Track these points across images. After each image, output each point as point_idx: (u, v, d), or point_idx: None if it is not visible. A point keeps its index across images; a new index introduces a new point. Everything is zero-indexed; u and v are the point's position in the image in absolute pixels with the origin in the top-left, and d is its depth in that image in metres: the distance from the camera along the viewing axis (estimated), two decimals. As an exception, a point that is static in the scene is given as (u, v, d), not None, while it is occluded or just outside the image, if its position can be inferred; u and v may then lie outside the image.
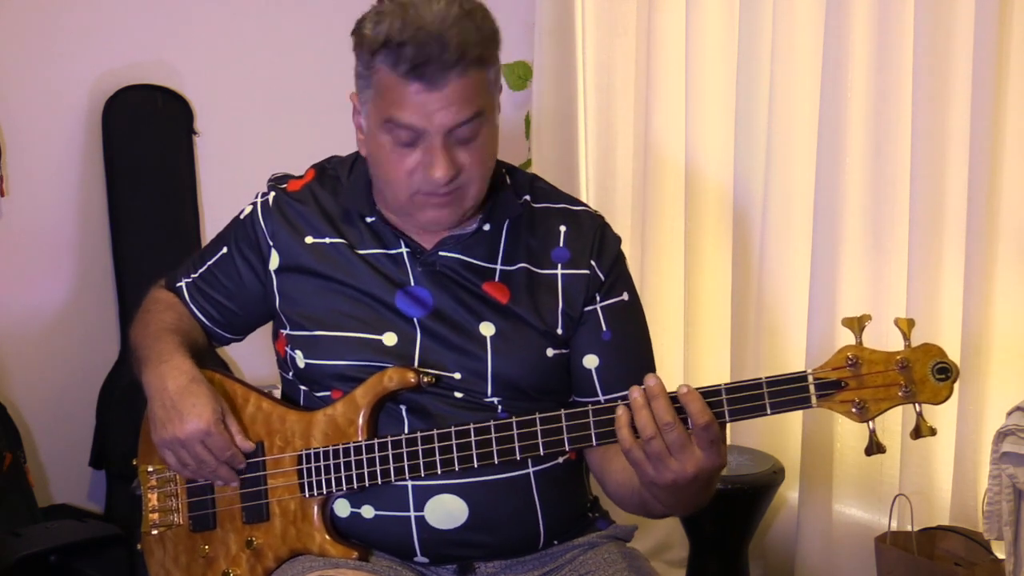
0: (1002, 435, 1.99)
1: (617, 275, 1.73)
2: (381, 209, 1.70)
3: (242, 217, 1.79)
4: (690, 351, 2.96)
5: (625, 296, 1.73)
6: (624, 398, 1.67)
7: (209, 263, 1.80)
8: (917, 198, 2.44)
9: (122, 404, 2.95)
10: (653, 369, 1.76)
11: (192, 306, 1.81)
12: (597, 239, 1.72)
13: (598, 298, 1.70)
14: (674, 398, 1.46)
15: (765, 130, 2.74)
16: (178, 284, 1.83)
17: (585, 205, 1.78)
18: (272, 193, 1.77)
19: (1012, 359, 2.37)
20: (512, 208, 1.71)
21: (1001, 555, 2.19)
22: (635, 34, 3.05)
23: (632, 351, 1.74)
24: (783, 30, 2.67)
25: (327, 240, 1.71)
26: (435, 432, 1.58)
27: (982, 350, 2.36)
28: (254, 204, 1.78)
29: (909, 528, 2.42)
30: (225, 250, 1.79)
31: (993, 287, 2.35)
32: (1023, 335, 2.37)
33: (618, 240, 1.76)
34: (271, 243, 1.73)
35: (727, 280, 2.88)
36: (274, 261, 1.73)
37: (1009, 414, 2.03)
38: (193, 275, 1.82)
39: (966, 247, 2.36)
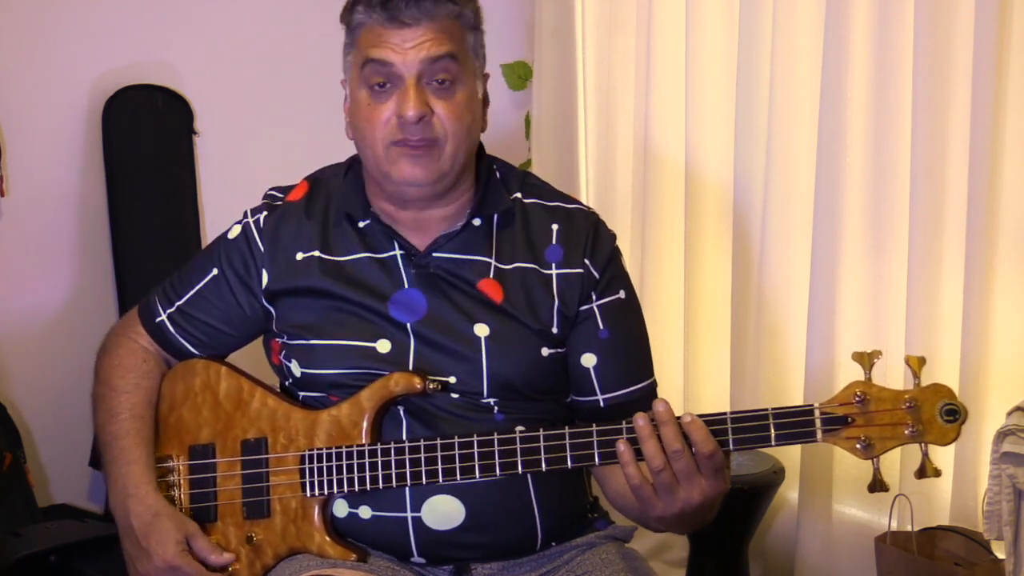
0: (1002, 435, 1.99)
1: (613, 273, 1.72)
2: (376, 211, 1.70)
3: (231, 237, 1.77)
4: (690, 351, 2.96)
5: (622, 294, 1.73)
6: (623, 398, 1.67)
7: (198, 286, 1.77)
8: (917, 198, 2.43)
9: (122, 404, 2.94)
10: (650, 367, 1.76)
11: (176, 336, 1.78)
12: (590, 237, 1.72)
13: (594, 296, 1.70)
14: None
15: (765, 130, 2.74)
16: (158, 320, 1.79)
17: (578, 202, 1.77)
18: (263, 212, 1.76)
19: (1012, 359, 2.37)
20: (501, 202, 1.71)
21: (1001, 555, 2.19)
22: (635, 34, 3.05)
23: (630, 350, 1.74)
24: (783, 30, 2.67)
25: (316, 253, 1.70)
26: (438, 441, 1.58)
27: (982, 350, 2.35)
28: (244, 224, 1.76)
29: (909, 528, 2.42)
30: (215, 271, 1.76)
31: (993, 287, 2.35)
32: (1023, 336, 2.37)
33: (612, 237, 1.75)
34: (264, 263, 1.73)
35: (727, 280, 2.88)
36: (266, 280, 1.73)
37: (1009, 414, 2.03)
38: (177, 302, 1.78)
39: (966, 247, 2.36)
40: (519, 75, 3.29)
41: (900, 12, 2.46)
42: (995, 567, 2.23)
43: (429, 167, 1.62)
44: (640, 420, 1.47)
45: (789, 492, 2.82)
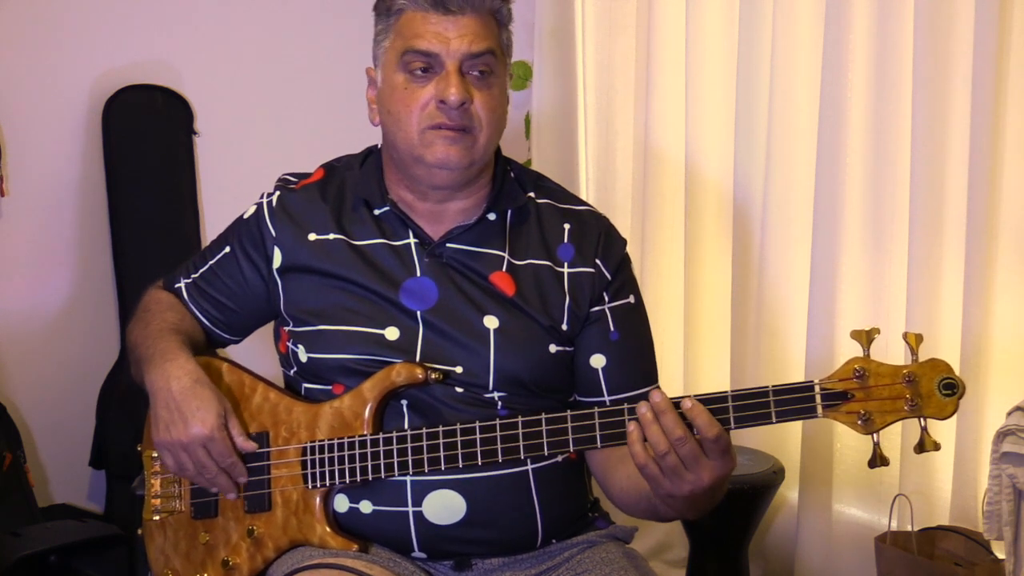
0: (1002, 435, 1.99)
1: (624, 278, 1.75)
2: (393, 198, 1.72)
3: (246, 217, 1.79)
4: (690, 351, 2.96)
5: (631, 299, 1.75)
6: (630, 399, 1.68)
7: (211, 262, 1.80)
8: (917, 197, 2.44)
9: (122, 404, 2.95)
10: (656, 371, 1.78)
11: (191, 306, 1.81)
12: (602, 238, 1.74)
13: (606, 298, 1.72)
14: (680, 412, 1.46)
15: (765, 130, 2.74)
16: (176, 285, 1.83)
17: (589, 205, 1.79)
18: (277, 193, 1.77)
19: (1012, 359, 2.37)
20: (516, 198, 1.73)
21: (1001, 555, 2.19)
22: (635, 34, 3.05)
23: (638, 353, 1.76)
24: (783, 30, 2.67)
25: (330, 236, 1.71)
26: (440, 428, 1.59)
27: (982, 350, 2.36)
28: (259, 204, 1.78)
29: (909, 528, 2.42)
30: (228, 249, 1.79)
31: (993, 287, 2.35)
32: (1023, 335, 2.37)
33: (623, 242, 1.78)
34: (275, 243, 1.74)
35: (727, 280, 2.88)
36: (277, 260, 1.74)
37: (1009, 414, 2.03)
38: (193, 275, 1.82)
39: (966, 246, 2.36)
40: (519, 75, 3.30)
41: (900, 12, 2.47)
42: (995, 567, 2.23)
43: (463, 151, 1.64)
44: (643, 407, 1.48)
45: (789, 492, 2.82)
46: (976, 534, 2.29)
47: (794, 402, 1.46)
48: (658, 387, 1.76)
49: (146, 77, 3.06)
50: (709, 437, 1.45)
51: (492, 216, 1.72)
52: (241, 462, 1.66)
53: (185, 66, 3.12)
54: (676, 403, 1.47)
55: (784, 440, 2.79)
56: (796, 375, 2.73)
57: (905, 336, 1.45)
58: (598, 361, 1.71)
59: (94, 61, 3.01)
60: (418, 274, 1.68)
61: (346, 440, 1.63)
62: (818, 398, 1.45)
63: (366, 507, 1.64)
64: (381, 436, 1.61)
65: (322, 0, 3.26)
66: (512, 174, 1.77)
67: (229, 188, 3.05)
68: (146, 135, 3.05)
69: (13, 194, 2.90)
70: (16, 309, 2.95)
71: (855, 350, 1.47)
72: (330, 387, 1.68)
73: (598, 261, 1.72)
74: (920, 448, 1.44)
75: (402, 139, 1.65)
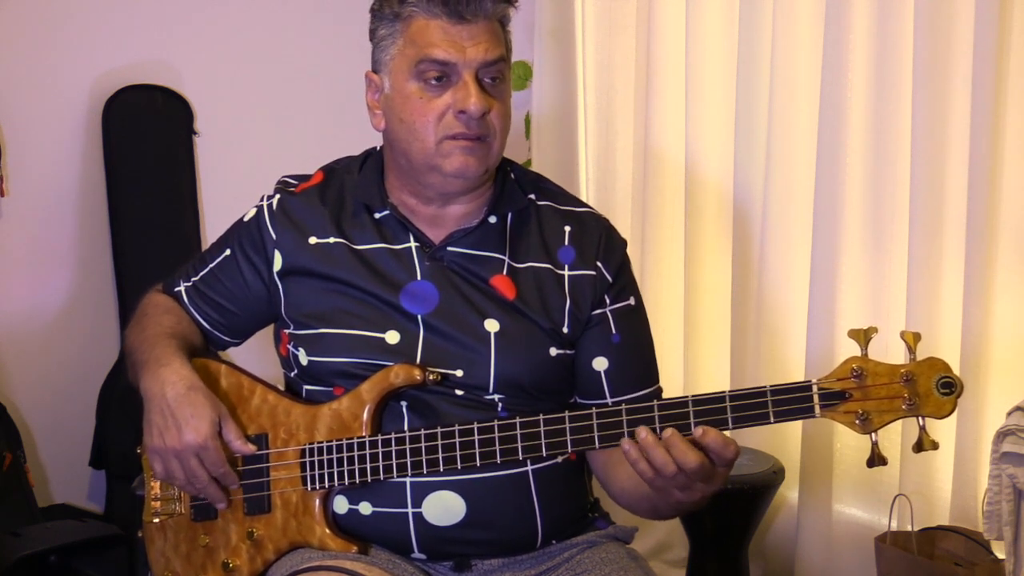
0: (1002, 435, 1.99)
1: (625, 280, 1.74)
2: (394, 201, 1.71)
3: (246, 219, 1.79)
4: (690, 351, 2.96)
5: (632, 301, 1.75)
6: (632, 401, 1.68)
7: (211, 265, 1.80)
8: (917, 197, 2.44)
9: (122, 404, 2.95)
10: (657, 372, 1.78)
11: (191, 309, 1.81)
12: (603, 240, 1.73)
13: (607, 300, 1.71)
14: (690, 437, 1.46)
15: (765, 130, 2.74)
16: (176, 288, 1.83)
17: (590, 207, 1.79)
18: (277, 195, 1.77)
19: (1012, 359, 2.37)
20: (517, 201, 1.73)
21: (1001, 555, 2.19)
22: (635, 34, 3.06)
23: (639, 354, 1.76)
24: (783, 30, 2.67)
25: (331, 240, 1.71)
26: (439, 430, 1.58)
27: (982, 350, 2.36)
28: (259, 207, 1.78)
29: (909, 528, 2.42)
30: (228, 252, 1.78)
31: (993, 287, 2.35)
32: (1023, 335, 2.37)
33: (624, 243, 1.77)
34: (275, 246, 1.73)
35: (727, 280, 2.88)
36: (278, 263, 1.73)
37: (1009, 414, 2.03)
38: (193, 278, 1.82)
39: (966, 246, 2.36)
40: (519, 75, 3.30)
41: (900, 12, 2.47)
42: (995, 567, 2.23)
43: (480, 160, 1.64)
44: (643, 432, 1.47)
45: (789, 492, 2.82)
46: (976, 534, 2.29)
47: (792, 402, 1.45)
48: (660, 389, 1.77)
49: (146, 77, 3.06)
50: (727, 458, 1.46)
51: (493, 219, 1.72)
52: (233, 471, 1.66)
53: (185, 66, 3.12)
54: (685, 432, 1.46)
55: (784, 440, 2.79)
56: (796, 375, 2.73)
57: (903, 335, 1.45)
58: (600, 364, 1.71)
59: (94, 61, 3.01)
60: (418, 277, 1.68)
61: (344, 442, 1.62)
62: (816, 398, 1.45)
63: (365, 508, 1.64)
64: (380, 438, 1.61)
65: (322, 1, 3.26)
66: (512, 175, 1.76)
67: (229, 188, 3.05)
68: (146, 135, 3.05)
69: (13, 194, 2.90)
70: (16, 309, 2.95)
71: (855, 350, 1.47)
72: (331, 389, 1.68)
73: (599, 263, 1.71)
74: (918, 447, 1.44)
75: (418, 149, 1.64)
